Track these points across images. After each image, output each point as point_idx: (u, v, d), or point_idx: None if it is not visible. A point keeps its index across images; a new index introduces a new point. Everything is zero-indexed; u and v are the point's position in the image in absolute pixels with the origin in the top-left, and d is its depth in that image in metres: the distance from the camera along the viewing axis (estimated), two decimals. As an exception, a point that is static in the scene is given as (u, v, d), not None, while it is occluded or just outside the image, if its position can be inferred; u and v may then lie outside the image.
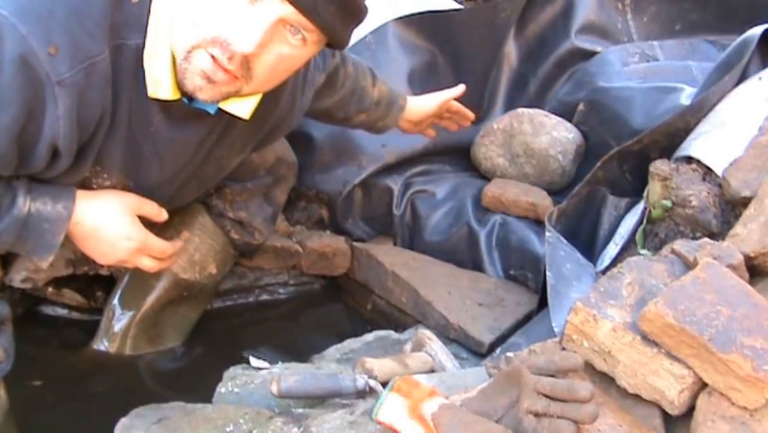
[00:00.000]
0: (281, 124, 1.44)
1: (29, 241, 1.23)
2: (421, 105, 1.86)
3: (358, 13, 1.16)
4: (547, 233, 1.49)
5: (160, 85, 1.18)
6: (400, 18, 2.13)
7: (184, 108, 1.23)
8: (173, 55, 1.15)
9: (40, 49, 1.05)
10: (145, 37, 1.15)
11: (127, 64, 1.16)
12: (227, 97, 1.18)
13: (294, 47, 1.14)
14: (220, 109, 1.25)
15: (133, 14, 1.15)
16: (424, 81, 2.17)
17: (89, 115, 1.14)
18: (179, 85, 1.18)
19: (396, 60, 2.11)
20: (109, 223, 1.29)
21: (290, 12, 1.09)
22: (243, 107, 1.26)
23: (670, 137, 1.62)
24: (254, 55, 1.10)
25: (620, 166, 1.65)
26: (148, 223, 1.39)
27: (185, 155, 1.33)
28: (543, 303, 1.57)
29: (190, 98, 1.21)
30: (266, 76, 1.16)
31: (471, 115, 1.95)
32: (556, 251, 1.45)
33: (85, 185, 1.28)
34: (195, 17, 1.10)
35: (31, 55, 1.05)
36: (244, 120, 1.28)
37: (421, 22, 2.15)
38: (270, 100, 1.31)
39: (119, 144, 1.23)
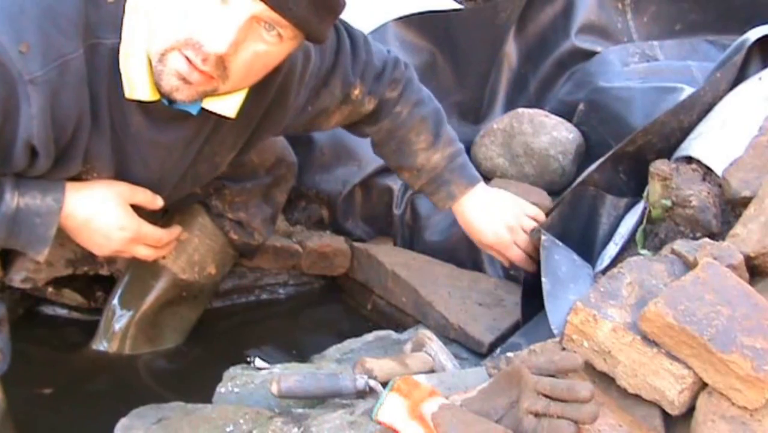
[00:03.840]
0: (269, 119, 1.40)
1: (22, 236, 1.22)
2: (474, 227, 1.60)
3: (333, 6, 1.14)
4: (543, 237, 1.49)
5: (136, 86, 1.17)
6: (400, 18, 2.13)
7: (165, 109, 1.22)
8: (149, 56, 1.14)
9: (11, 47, 1.05)
10: (120, 36, 1.15)
11: (104, 64, 1.15)
12: (204, 96, 1.17)
13: (270, 44, 1.12)
14: (204, 109, 1.24)
15: (109, 13, 1.14)
16: (424, 81, 2.16)
17: (65, 115, 1.13)
18: (158, 86, 1.17)
19: (396, 60, 2.11)
20: (101, 213, 1.28)
21: (262, 9, 1.07)
22: (228, 106, 1.24)
23: (666, 138, 1.62)
24: (228, 54, 1.09)
25: (615, 168, 1.65)
26: (148, 217, 1.38)
27: (172, 157, 1.32)
28: (540, 304, 1.58)
29: (171, 100, 1.20)
30: (243, 74, 1.15)
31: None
32: (551, 255, 1.44)
33: (77, 181, 1.27)
34: (167, 20, 1.09)
35: (2, 54, 1.04)
36: (231, 119, 1.27)
37: (421, 22, 2.15)
38: (257, 93, 1.29)
39: (106, 144, 1.23)
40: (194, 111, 1.23)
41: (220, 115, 1.26)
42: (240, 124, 1.33)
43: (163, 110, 1.22)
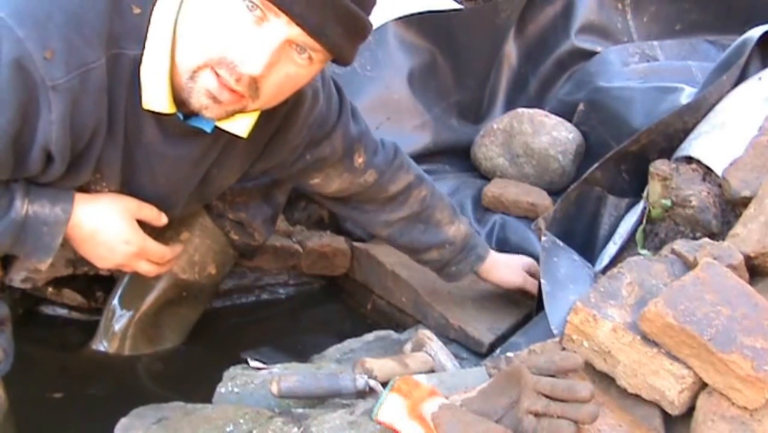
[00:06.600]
0: (272, 146, 1.41)
1: (27, 243, 1.22)
2: (504, 274, 1.70)
3: (363, 32, 1.16)
4: (543, 237, 1.49)
5: (154, 98, 1.17)
6: (400, 18, 2.13)
7: (179, 124, 1.22)
8: (171, 69, 1.15)
9: (36, 53, 1.05)
10: (144, 47, 1.15)
11: (125, 74, 1.16)
12: (233, 114, 1.18)
13: (300, 66, 1.13)
14: (216, 128, 1.24)
15: (134, 24, 1.14)
16: (424, 81, 2.17)
17: (83, 123, 1.14)
18: (177, 101, 1.17)
19: (396, 60, 2.11)
20: (107, 226, 1.29)
21: (297, 33, 1.08)
22: (240, 126, 1.25)
23: (669, 138, 1.62)
24: (262, 76, 1.10)
25: (618, 167, 1.65)
26: (147, 225, 1.38)
27: (179, 173, 1.32)
28: (541, 305, 1.57)
29: (186, 115, 1.20)
30: (273, 95, 1.16)
31: None
32: (549, 257, 1.44)
33: (84, 191, 1.28)
34: (201, 37, 1.10)
35: (27, 59, 1.05)
36: (242, 138, 1.28)
37: (421, 22, 2.15)
38: (265, 119, 1.30)
39: (117, 153, 1.23)
40: (208, 128, 1.24)
41: (230, 135, 1.27)
42: (248, 148, 1.35)
43: (176, 125, 1.22)
